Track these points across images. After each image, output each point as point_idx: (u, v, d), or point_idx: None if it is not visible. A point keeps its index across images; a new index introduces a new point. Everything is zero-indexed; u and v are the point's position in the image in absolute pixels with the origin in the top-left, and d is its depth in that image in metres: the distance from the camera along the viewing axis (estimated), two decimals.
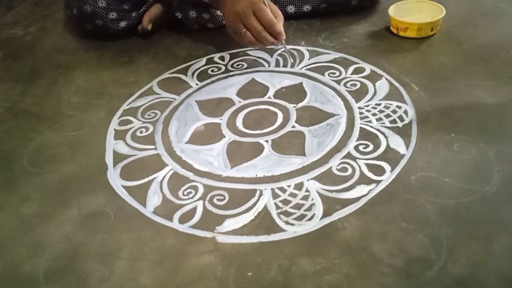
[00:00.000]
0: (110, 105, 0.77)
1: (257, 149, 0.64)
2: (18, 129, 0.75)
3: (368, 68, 0.79)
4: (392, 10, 0.86)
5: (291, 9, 0.94)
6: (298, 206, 0.55)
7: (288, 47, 0.83)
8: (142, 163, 0.64)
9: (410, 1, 0.89)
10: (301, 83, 0.77)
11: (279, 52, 0.86)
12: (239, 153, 0.64)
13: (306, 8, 0.93)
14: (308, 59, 0.83)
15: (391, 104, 0.69)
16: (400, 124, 0.65)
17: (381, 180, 0.57)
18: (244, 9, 0.73)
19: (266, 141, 0.66)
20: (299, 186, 0.58)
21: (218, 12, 0.94)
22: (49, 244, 0.54)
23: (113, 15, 0.92)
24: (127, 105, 0.77)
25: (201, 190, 0.59)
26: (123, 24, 0.93)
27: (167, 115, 0.74)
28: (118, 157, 0.66)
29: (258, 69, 0.82)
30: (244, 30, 0.74)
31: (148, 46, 0.94)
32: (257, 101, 0.74)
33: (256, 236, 0.52)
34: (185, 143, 0.67)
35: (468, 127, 0.63)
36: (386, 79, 0.75)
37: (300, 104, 0.72)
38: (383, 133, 0.64)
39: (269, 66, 0.83)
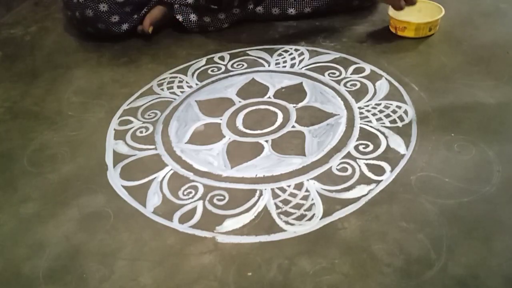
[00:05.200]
0: (110, 105, 0.77)
1: (257, 149, 0.64)
2: (18, 129, 0.75)
3: (368, 68, 0.79)
4: (391, 10, 0.86)
5: (291, 12, 0.94)
6: (298, 206, 0.55)
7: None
8: (142, 163, 0.64)
9: None
10: (301, 83, 0.77)
11: (278, 52, 0.86)
12: (239, 153, 0.64)
13: (307, 10, 0.94)
14: (308, 59, 0.83)
15: (391, 104, 0.69)
16: (400, 124, 0.65)
17: (381, 180, 0.57)
18: None
19: (266, 141, 0.66)
20: (299, 186, 0.57)
21: (219, 16, 0.95)
22: (49, 244, 0.54)
23: (115, 18, 0.92)
24: (127, 105, 0.77)
25: (201, 190, 0.59)
26: (125, 26, 0.93)
27: (167, 115, 0.74)
28: (118, 157, 0.66)
29: (258, 69, 0.82)
30: None
31: (148, 46, 0.94)
32: (257, 101, 0.74)
33: (256, 236, 0.52)
34: (185, 143, 0.67)
35: (468, 127, 0.63)
36: (386, 79, 0.75)
37: (300, 104, 0.72)
38: (383, 133, 0.64)
39: (269, 66, 0.83)
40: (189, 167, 0.63)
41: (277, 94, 0.75)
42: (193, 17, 0.93)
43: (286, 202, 0.56)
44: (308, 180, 0.58)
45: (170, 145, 0.67)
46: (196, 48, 0.91)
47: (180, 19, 0.93)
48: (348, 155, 0.61)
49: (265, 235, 0.52)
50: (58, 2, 1.17)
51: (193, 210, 0.56)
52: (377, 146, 0.62)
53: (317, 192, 0.56)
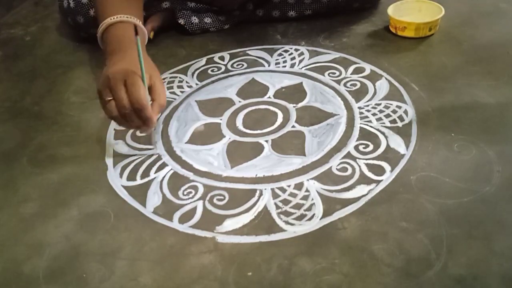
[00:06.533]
0: None
1: (257, 149, 0.64)
2: (18, 129, 0.75)
3: (368, 68, 0.79)
4: (391, 10, 0.87)
5: (292, 14, 0.94)
6: (298, 206, 0.55)
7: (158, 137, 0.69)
8: (142, 163, 0.64)
9: (409, 0, 0.89)
10: (301, 83, 0.77)
11: (278, 52, 0.86)
12: (239, 153, 0.64)
13: (308, 13, 0.94)
14: (308, 59, 0.83)
15: (391, 104, 0.69)
16: (400, 124, 0.65)
17: (381, 180, 0.57)
18: (115, 76, 0.58)
19: (266, 141, 0.66)
20: (299, 186, 0.57)
21: (220, 17, 0.95)
22: (49, 244, 0.54)
23: None
24: None
25: (201, 190, 0.59)
26: None
27: (167, 115, 0.74)
28: (118, 157, 0.66)
29: (258, 69, 0.82)
30: (109, 99, 0.59)
31: (148, 46, 0.93)
32: (257, 101, 0.74)
33: (256, 236, 0.52)
34: (185, 143, 0.67)
35: (468, 127, 0.63)
36: (386, 79, 0.75)
37: (300, 104, 0.72)
38: (383, 133, 0.64)
39: (269, 66, 0.83)
40: (189, 167, 0.63)
41: (277, 94, 0.75)
42: (194, 19, 0.94)
43: (286, 202, 0.56)
44: (308, 180, 0.58)
45: (170, 145, 0.67)
46: (196, 48, 0.91)
47: (182, 23, 0.93)
48: (348, 155, 0.61)
49: (265, 235, 0.52)
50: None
51: (193, 210, 0.56)
52: (377, 146, 0.62)
53: (317, 192, 0.56)
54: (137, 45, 0.57)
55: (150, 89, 0.61)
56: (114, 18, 0.66)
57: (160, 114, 0.64)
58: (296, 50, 0.86)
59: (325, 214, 0.53)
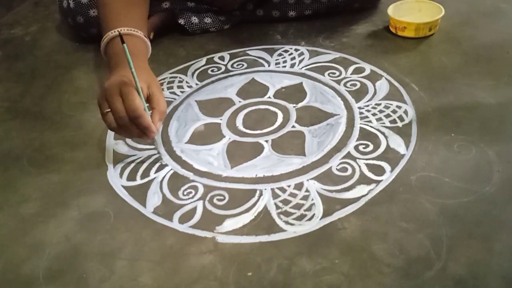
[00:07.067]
0: None
1: (257, 149, 0.64)
2: (18, 129, 0.75)
3: (368, 68, 0.79)
4: (391, 10, 0.87)
5: (292, 14, 0.94)
6: (298, 206, 0.55)
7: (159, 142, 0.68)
8: (142, 163, 0.64)
9: (409, 0, 0.89)
10: (301, 83, 0.77)
11: (278, 52, 0.86)
12: (239, 153, 0.64)
13: (307, 13, 0.94)
14: (308, 59, 0.83)
15: (391, 104, 0.69)
16: (400, 124, 0.65)
17: (381, 180, 0.57)
18: (110, 87, 0.58)
19: (266, 141, 0.66)
20: (299, 186, 0.58)
21: (220, 17, 0.95)
22: (49, 244, 0.54)
23: None
24: None
25: (201, 190, 0.59)
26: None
27: (167, 115, 0.73)
28: (118, 157, 0.66)
29: (258, 69, 0.82)
30: (107, 110, 0.58)
31: None
32: (257, 101, 0.74)
33: (256, 236, 0.52)
34: (185, 143, 0.67)
35: (468, 127, 0.63)
36: (386, 79, 0.75)
37: (300, 104, 0.72)
38: (383, 133, 0.64)
39: (269, 66, 0.83)
40: (189, 167, 0.63)
41: (277, 94, 0.75)
42: (194, 19, 0.94)
43: (286, 202, 0.56)
44: (308, 180, 0.58)
45: (170, 145, 0.67)
46: (196, 48, 0.91)
47: (182, 23, 0.93)
48: (348, 155, 0.61)
49: (265, 235, 0.52)
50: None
51: (193, 210, 0.56)
52: (377, 146, 0.62)
53: (317, 192, 0.56)
54: (126, 54, 0.57)
55: (149, 98, 0.61)
56: (116, 32, 0.66)
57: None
58: (296, 50, 0.86)
59: (325, 214, 0.53)
